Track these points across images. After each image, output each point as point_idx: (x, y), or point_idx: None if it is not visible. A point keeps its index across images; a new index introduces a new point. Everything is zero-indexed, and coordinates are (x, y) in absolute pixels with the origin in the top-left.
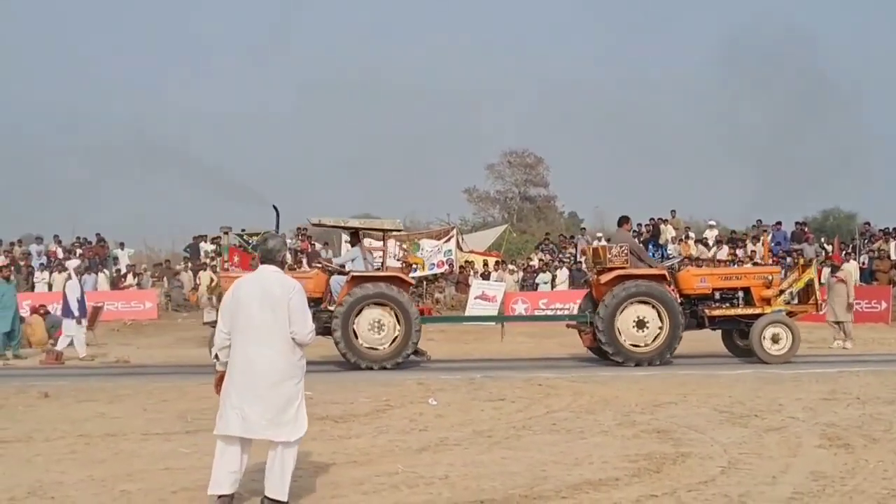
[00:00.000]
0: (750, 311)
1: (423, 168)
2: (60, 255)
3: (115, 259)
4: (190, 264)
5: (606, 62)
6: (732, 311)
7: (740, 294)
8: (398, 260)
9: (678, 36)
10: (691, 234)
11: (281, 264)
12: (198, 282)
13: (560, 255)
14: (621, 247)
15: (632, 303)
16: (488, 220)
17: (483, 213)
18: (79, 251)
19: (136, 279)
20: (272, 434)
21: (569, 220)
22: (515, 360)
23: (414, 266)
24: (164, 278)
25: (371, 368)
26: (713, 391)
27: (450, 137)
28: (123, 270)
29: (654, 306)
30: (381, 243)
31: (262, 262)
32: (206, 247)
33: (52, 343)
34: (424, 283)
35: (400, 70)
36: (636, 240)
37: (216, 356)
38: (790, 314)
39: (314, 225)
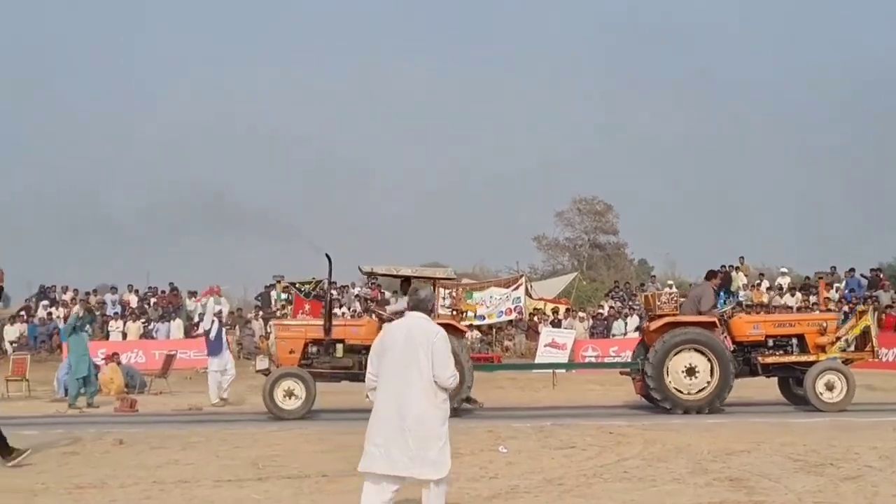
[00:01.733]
0: (804, 358)
1: (493, 216)
2: (134, 304)
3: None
4: (261, 312)
5: (674, 109)
6: (786, 359)
7: (794, 341)
8: (449, 308)
9: (748, 82)
10: (764, 281)
11: (429, 312)
12: (269, 330)
13: (630, 303)
14: (671, 294)
15: (682, 350)
16: (558, 268)
17: (552, 260)
18: (152, 299)
19: None
20: (416, 472)
21: (639, 267)
22: (585, 408)
23: (466, 313)
24: (236, 326)
25: None
26: (786, 439)
27: (519, 185)
28: (196, 319)
29: (704, 354)
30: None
31: (411, 310)
32: (274, 294)
33: (126, 391)
34: (494, 330)
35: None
36: (714, 295)
37: (367, 397)
38: (846, 361)
39: (366, 273)
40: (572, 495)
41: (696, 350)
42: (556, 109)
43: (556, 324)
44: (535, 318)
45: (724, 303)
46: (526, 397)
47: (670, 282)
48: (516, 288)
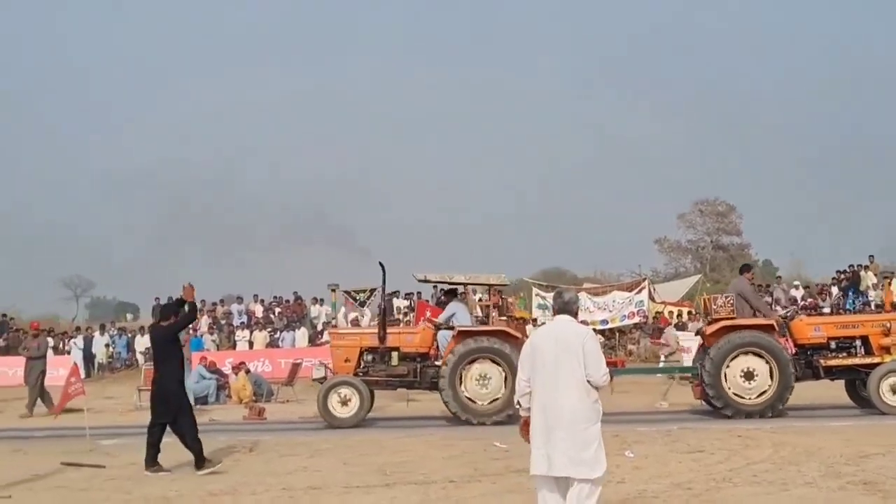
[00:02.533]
0: (868, 360)
1: (613, 219)
2: (259, 313)
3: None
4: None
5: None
6: (849, 361)
7: (858, 343)
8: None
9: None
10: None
11: (574, 315)
12: None
13: None
14: (727, 297)
15: (740, 354)
16: (680, 271)
17: (675, 263)
18: (277, 309)
19: None
20: (572, 472)
21: (763, 268)
22: (710, 412)
23: (521, 320)
24: None
25: (483, 424)
26: None
27: (638, 188)
28: (320, 327)
29: (763, 357)
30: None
31: (557, 313)
32: (399, 303)
33: (254, 399)
34: (617, 334)
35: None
36: (754, 288)
37: (518, 403)
38: None
39: (420, 281)
40: (701, 500)
41: (755, 353)
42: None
43: (681, 327)
44: (660, 322)
45: (853, 303)
46: (650, 401)
47: (797, 282)
48: (639, 291)
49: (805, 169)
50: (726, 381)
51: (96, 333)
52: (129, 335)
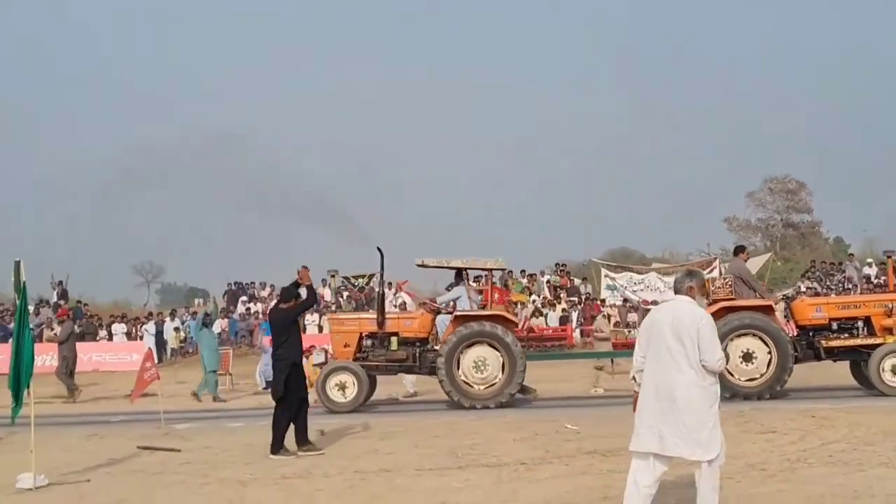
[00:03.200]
0: (870, 341)
1: (682, 199)
2: (328, 297)
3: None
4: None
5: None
6: (850, 342)
7: (860, 324)
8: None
9: None
10: None
11: (691, 296)
12: None
13: (828, 283)
14: (725, 278)
15: (737, 335)
16: (750, 249)
17: (744, 241)
18: (345, 293)
19: None
20: (686, 453)
21: (834, 245)
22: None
23: (517, 304)
24: None
25: (474, 407)
26: None
27: (707, 167)
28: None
29: (761, 338)
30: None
31: (676, 293)
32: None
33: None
34: None
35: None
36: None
37: (633, 378)
38: None
39: (419, 266)
40: (776, 480)
41: (753, 335)
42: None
43: None
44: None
45: None
46: None
47: (869, 260)
48: (710, 271)
49: (880, 144)
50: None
51: (167, 319)
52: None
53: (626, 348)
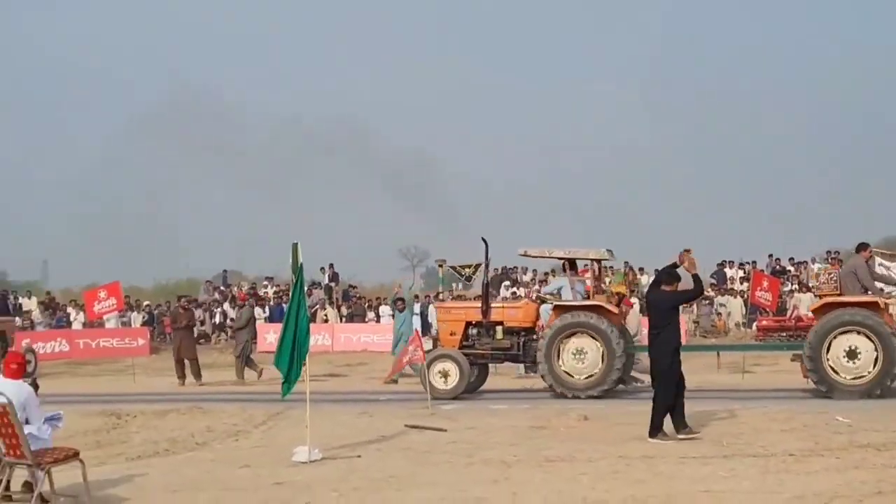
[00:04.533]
0: None
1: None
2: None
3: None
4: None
5: None
6: None
7: None
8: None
9: None
10: None
11: None
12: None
13: None
14: (830, 273)
15: (841, 332)
16: None
17: None
18: None
19: None
20: None
21: None
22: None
23: (616, 294)
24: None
25: (578, 397)
26: None
27: None
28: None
29: (867, 336)
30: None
31: None
32: (731, 273)
33: None
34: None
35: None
36: (868, 268)
37: None
38: None
39: (521, 255)
40: None
41: (859, 332)
42: None
43: None
44: None
45: None
46: None
47: None
48: None
49: None
50: (828, 359)
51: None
52: None
53: None
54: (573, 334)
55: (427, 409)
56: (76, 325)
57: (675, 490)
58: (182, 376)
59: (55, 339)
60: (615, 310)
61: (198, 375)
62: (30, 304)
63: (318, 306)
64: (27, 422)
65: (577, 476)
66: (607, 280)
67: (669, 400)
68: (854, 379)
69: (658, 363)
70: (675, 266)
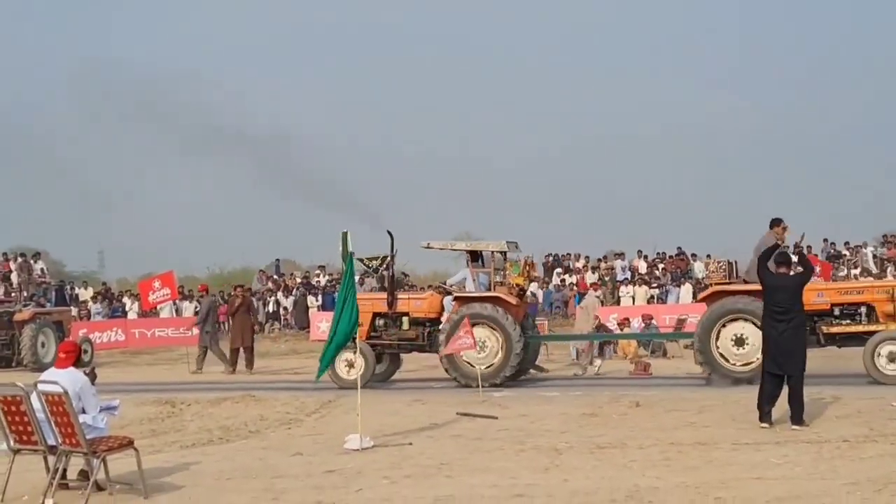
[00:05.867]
0: (872, 327)
1: None
2: (643, 269)
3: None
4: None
5: None
6: (851, 328)
7: (863, 310)
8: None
9: None
10: None
11: None
12: None
13: None
14: (719, 262)
15: (730, 320)
16: None
17: None
18: (660, 265)
19: None
20: None
21: None
22: None
23: (514, 286)
24: None
25: (469, 386)
26: None
27: None
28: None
29: (753, 323)
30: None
31: None
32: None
33: (641, 356)
34: None
35: None
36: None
37: None
38: None
39: (424, 248)
40: None
41: (745, 320)
42: None
43: None
44: None
45: None
46: None
47: None
48: None
49: None
50: (718, 346)
51: None
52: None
53: None
54: (473, 325)
55: (478, 396)
56: (131, 315)
57: (728, 477)
58: (234, 363)
59: (111, 328)
60: (515, 301)
61: (250, 364)
62: (86, 294)
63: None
64: (83, 411)
65: (628, 463)
66: (505, 273)
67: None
68: (743, 365)
69: (799, 352)
70: (776, 246)
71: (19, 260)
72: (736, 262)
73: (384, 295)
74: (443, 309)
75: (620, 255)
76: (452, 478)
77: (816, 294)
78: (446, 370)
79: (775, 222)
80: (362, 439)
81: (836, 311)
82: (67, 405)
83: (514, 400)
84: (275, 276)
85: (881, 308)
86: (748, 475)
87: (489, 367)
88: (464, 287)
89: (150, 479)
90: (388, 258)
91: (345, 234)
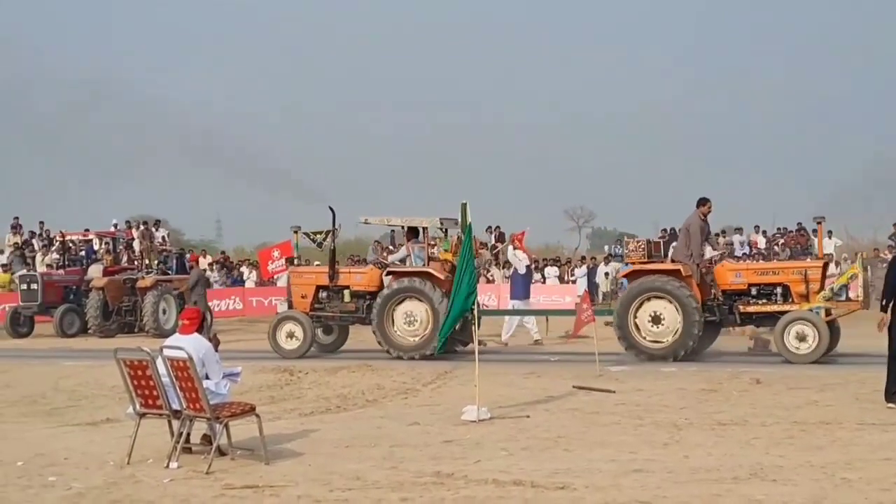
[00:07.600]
0: (786, 307)
1: None
2: (762, 245)
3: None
4: None
5: None
6: (767, 308)
7: (779, 290)
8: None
9: None
10: None
11: None
12: None
13: None
14: (638, 241)
15: (648, 298)
16: None
17: None
18: (780, 240)
19: None
20: None
21: None
22: None
23: (447, 262)
24: None
25: (400, 358)
26: None
27: None
28: None
29: (671, 302)
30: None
31: None
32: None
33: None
34: None
35: None
36: (703, 226)
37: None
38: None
39: (363, 223)
40: None
41: (661, 298)
42: None
43: None
44: None
45: None
46: None
47: None
48: None
49: None
50: (635, 324)
51: (601, 264)
52: None
53: None
54: (404, 299)
55: (595, 370)
56: (249, 284)
57: (854, 457)
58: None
59: (230, 297)
60: (444, 276)
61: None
62: (204, 262)
63: (483, 266)
64: (206, 377)
65: (750, 440)
66: (436, 249)
67: None
68: (654, 342)
69: None
70: None
71: (141, 227)
72: (662, 242)
73: (325, 268)
74: (382, 283)
75: (739, 230)
76: (570, 451)
77: (734, 274)
78: (379, 342)
79: (702, 202)
80: (479, 410)
81: (754, 291)
82: (192, 370)
83: (631, 374)
84: (390, 247)
85: (795, 288)
86: (875, 456)
87: (421, 338)
88: (404, 263)
89: (270, 446)
90: (331, 232)
91: (464, 206)
